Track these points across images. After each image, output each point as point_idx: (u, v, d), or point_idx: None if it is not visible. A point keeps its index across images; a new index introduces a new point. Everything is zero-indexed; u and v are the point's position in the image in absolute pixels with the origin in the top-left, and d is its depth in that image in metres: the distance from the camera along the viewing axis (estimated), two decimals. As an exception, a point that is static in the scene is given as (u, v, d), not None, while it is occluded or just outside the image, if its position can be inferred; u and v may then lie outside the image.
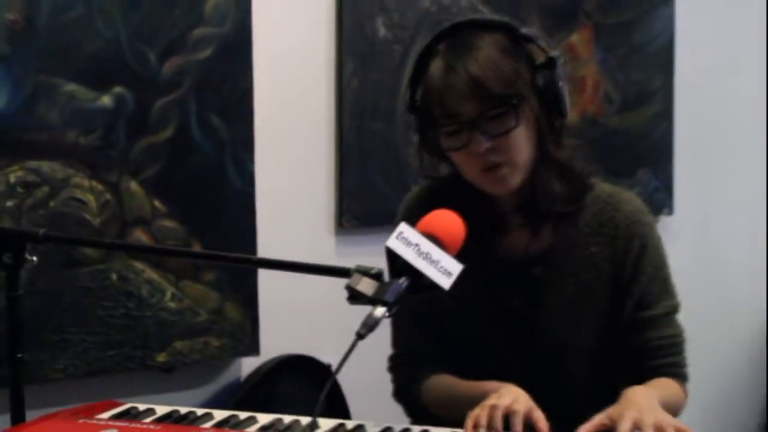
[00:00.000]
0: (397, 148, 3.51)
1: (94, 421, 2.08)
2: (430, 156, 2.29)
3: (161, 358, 3.16)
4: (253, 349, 3.34)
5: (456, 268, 1.89)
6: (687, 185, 4.05)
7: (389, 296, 1.83)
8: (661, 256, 2.28)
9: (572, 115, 3.65)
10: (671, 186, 4.01)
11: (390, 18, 3.46)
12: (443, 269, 1.88)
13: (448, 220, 1.95)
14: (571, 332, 2.26)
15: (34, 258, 2.19)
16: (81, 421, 2.08)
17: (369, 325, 1.80)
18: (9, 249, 2.12)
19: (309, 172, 3.49)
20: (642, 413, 1.92)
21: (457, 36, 2.18)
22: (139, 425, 2.06)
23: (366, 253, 3.30)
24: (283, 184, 3.41)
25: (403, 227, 1.92)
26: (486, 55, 2.12)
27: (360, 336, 1.80)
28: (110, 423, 2.08)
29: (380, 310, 1.81)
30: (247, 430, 2.02)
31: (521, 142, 2.14)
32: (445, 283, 1.88)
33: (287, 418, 2.09)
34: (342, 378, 3.35)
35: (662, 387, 2.19)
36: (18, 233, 2.19)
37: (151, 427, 2.05)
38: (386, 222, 3.38)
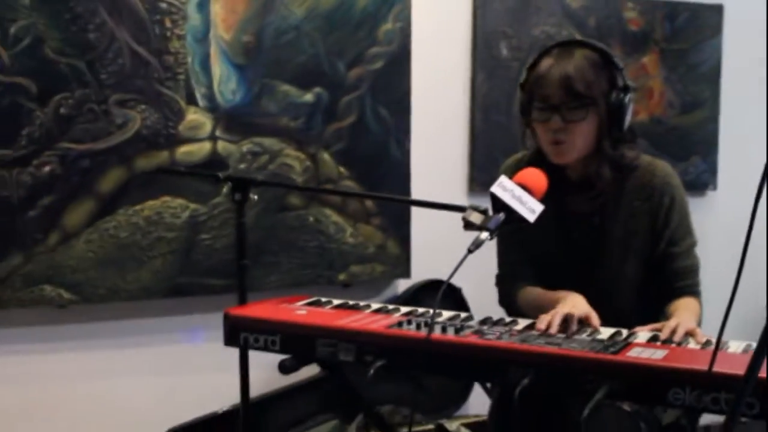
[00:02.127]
0: (512, 134, 3.48)
1: (292, 306, 2.21)
2: (526, 128, 2.30)
3: (342, 277, 3.27)
4: (406, 273, 3.39)
5: (538, 207, 1.95)
6: (727, 169, 3.96)
7: (491, 225, 1.91)
8: (684, 207, 2.26)
9: (641, 116, 3.71)
10: (716, 169, 3.93)
11: (510, 42, 3.48)
12: (530, 208, 1.95)
13: (535, 175, 2.01)
14: (621, 263, 2.25)
15: (255, 197, 2.29)
16: (283, 305, 2.21)
17: (476, 244, 1.87)
18: (238, 189, 2.23)
19: (449, 151, 3.51)
20: (679, 323, 1.95)
21: (567, 46, 2.20)
22: (321, 309, 2.18)
23: (488, 204, 3.38)
24: (431, 159, 3.43)
25: (503, 179, 1.99)
26: (580, 63, 2.13)
27: (470, 251, 1.88)
28: (302, 307, 2.20)
29: (485, 235, 1.89)
30: (394, 315, 2.11)
31: (583, 132, 2.15)
32: (531, 217, 1.94)
33: (421, 309, 2.18)
34: (470, 299, 3.46)
35: (692, 310, 2.18)
36: (243, 178, 2.27)
37: (329, 310, 2.18)
38: (504, 187, 3.47)
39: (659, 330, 1.97)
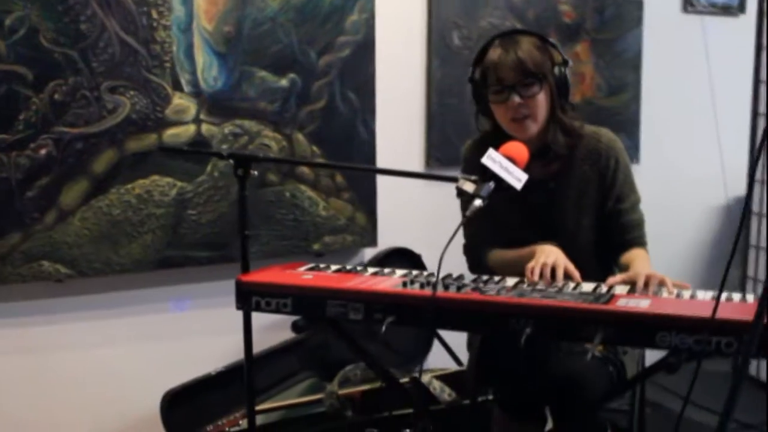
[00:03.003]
0: (464, 116, 3.49)
1: (297, 271, 2.19)
2: (481, 115, 2.36)
3: (316, 246, 3.23)
4: (373, 243, 3.37)
5: (523, 176, 1.97)
6: (648, 144, 4.01)
7: (483, 192, 1.92)
8: (628, 168, 2.33)
9: (575, 98, 3.75)
10: (638, 145, 3.98)
11: (462, 32, 3.47)
12: (516, 177, 1.97)
13: (519, 148, 2.03)
14: (576, 220, 2.30)
15: (256, 173, 2.22)
16: (287, 271, 2.19)
17: (473, 210, 1.89)
18: (241, 165, 2.17)
19: (409, 130, 3.48)
20: (651, 274, 1.99)
21: (509, 36, 2.26)
22: (323, 273, 2.17)
23: (444, 184, 3.37)
24: (393, 138, 3.40)
25: (491, 151, 1.99)
26: (527, 47, 2.20)
27: (466, 217, 1.89)
28: (306, 272, 2.19)
29: (478, 202, 1.90)
30: (392, 277, 2.11)
31: (540, 105, 2.22)
32: (518, 185, 1.96)
33: (415, 271, 2.17)
34: (429, 265, 3.46)
35: (647, 261, 2.24)
36: (246, 155, 2.21)
37: (332, 274, 2.17)
38: (457, 164, 3.46)
39: (628, 281, 2.01)
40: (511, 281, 2.05)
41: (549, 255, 2.09)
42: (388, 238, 3.41)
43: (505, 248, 2.36)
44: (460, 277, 2.11)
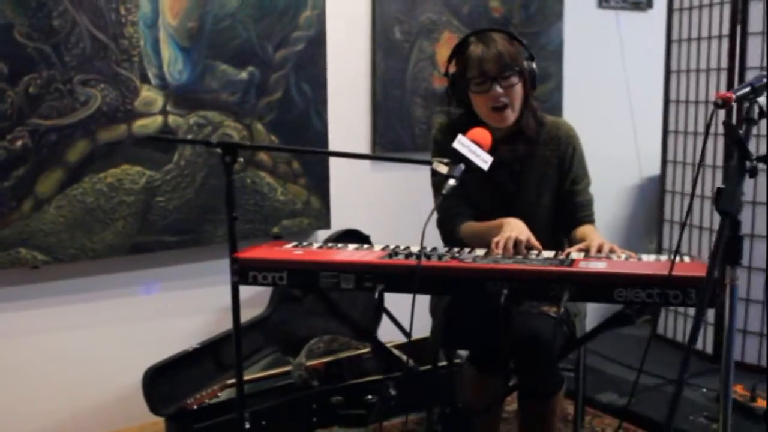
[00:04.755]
0: (405, 106, 3.74)
1: (286, 248, 2.35)
2: (457, 104, 2.55)
3: (275, 229, 3.40)
4: (326, 225, 3.58)
5: (489, 158, 2.19)
6: None
7: (455, 173, 2.14)
8: (582, 154, 2.60)
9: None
10: (562, 130, 4.31)
11: (402, 26, 3.68)
12: (483, 159, 2.19)
13: (483, 133, 2.25)
14: (537, 199, 2.55)
15: (242, 159, 2.40)
16: (276, 248, 2.35)
17: (448, 189, 2.11)
18: (228, 153, 2.26)
19: (356, 119, 3.68)
20: (602, 242, 2.26)
21: (484, 34, 2.49)
22: (310, 249, 2.34)
23: (388, 168, 3.59)
24: (344, 126, 3.60)
25: (461, 137, 2.22)
26: (503, 42, 2.45)
27: (444, 196, 2.10)
28: (294, 248, 2.36)
29: (452, 181, 2.11)
30: (374, 250, 2.30)
31: (518, 95, 2.47)
32: (485, 166, 2.19)
33: (392, 245, 2.37)
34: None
35: (596, 233, 2.48)
36: (233, 143, 2.30)
37: (317, 249, 2.34)
38: (400, 149, 3.72)
39: (584, 249, 2.27)
40: (481, 252, 2.30)
41: (513, 229, 2.33)
42: (340, 220, 3.61)
43: (475, 220, 2.59)
44: (435, 249, 2.34)
